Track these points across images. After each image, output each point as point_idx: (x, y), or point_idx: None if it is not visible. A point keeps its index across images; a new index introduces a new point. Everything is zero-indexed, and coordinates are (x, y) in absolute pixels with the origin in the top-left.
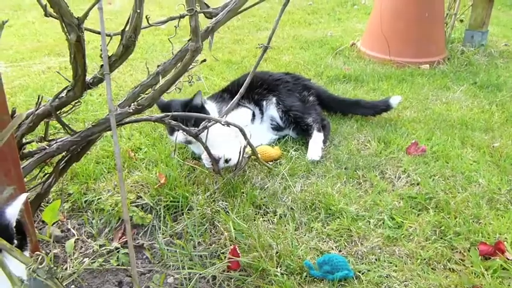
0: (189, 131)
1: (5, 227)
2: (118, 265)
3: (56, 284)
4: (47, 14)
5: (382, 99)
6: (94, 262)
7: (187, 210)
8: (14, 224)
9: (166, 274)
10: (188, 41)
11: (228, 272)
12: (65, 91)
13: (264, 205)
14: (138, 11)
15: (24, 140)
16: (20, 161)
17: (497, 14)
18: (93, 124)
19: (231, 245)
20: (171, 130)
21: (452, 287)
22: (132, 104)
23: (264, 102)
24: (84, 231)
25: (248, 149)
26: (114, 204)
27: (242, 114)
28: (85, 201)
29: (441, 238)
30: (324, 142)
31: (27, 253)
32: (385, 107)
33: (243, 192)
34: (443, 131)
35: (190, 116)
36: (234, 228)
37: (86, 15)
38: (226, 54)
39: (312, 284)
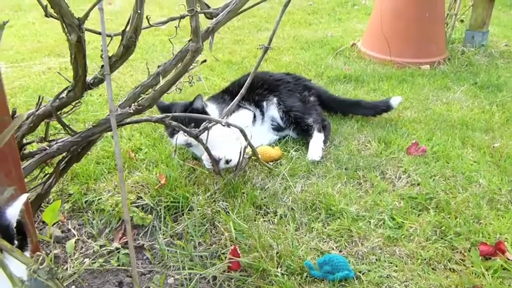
0: (190, 132)
1: (6, 228)
2: (118, 265)
3: (56, 285)
4: (47, 15)
5: (382, 99)
6: (94, 262)
7: (188, 210)
8: (15, 225)
9: (166, 274)
10: (189, 41)
11: (228, 272)
12: (66, 91)
13: (264, 205)
14: (139, 11)
15: (24, 141)
16: (20, 162)
17: (497, 14)
18: (94, 124)
19: (231, 246)
20: (171, 132)
21: (452, 287)
22: (133, 104)
23: (265, 103)
24: (85, 232)
25: (248, 150)
26: (114, 204)
27: (243, 116)
28: (85, 202)
29: (442, 238)
30: (325, 142)
31: (27, 253)
32: (386, 107)
33: (243, 193)
34: (443, 131)
35: (191, 116)
36: (235, 229)
37: (86, 15)
38: (227, 54)
39: (313, 284)
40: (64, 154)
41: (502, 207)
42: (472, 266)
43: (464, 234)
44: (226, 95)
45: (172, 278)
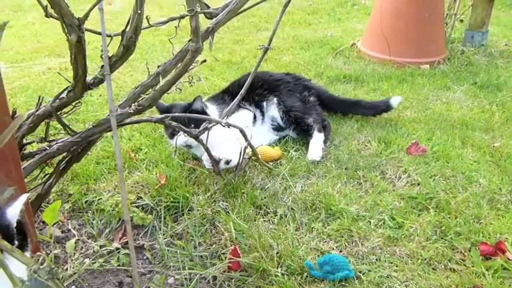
0: (190, 132)
1: (6, 228)
2: (118, 266)
3: (57, 285)
4: (47, 15)
5: (382, 99)
6: (94, 262)
7: (188, 210)
8: (15, 225)
9: (166, 274)
10: (188, 41)
11: (228, 272)
12: (66, 92)
13: (264, 205)
14: (139, 11)
15: (24, 141)
16: (20, 162)
17: (497, 14)
18: (94, 125)
19: (231, 246)
20: (171, 134)
21: (453, 287)
22: (133, 104)
23: (265, 103)
24: (85, 232)
25: (249, 150)
26: (114, 204)
27: (243, 117)
28: (85, 202)
29: (442, 238)
30: (325, 142)
31: (28, 254)
32: (386, 107)
33: (243, 193)
34: (443, 131)
35: (191, 117)
36: (235, 229)
37: (86, 16)
38: (227, 54)
39: (313, 284)
40: (64, 154)
41: (502, 207)
42: (472, 266)
43: (465, 234)
44: (226, 96)
45: (172, 278)
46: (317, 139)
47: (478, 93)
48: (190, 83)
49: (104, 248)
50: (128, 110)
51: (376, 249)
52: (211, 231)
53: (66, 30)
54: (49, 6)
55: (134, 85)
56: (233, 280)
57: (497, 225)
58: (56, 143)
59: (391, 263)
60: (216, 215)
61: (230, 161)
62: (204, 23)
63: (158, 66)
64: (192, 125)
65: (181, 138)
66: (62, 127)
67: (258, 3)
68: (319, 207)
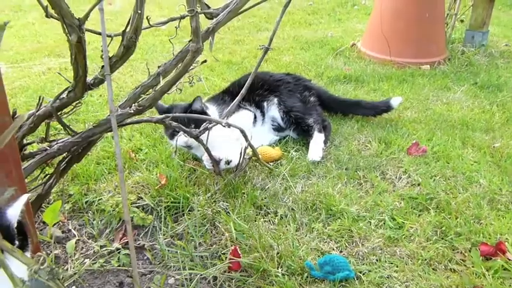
0: (190, 132)
1: (7, 228)
2: (119, 266)
3: (57, 285)
4: (48, 15)
5: (382, 99)
6: (95, 263)
7: (188, 211)
8: (15, 225)
9: (167, 275)
10: (189, 41)
11: (229, 272)
12: (66, 92)
13: (264, 206)
14: (139, 11)
15: (25, 141)
16: (21, 162)
17: (497, 14)
18: (94, 125)
19: (231, 246)
20: (171, 134)
21: (453, 287)
22: (133, 104)
23: (265, 103)
24: (85, 232)
25: (249, 150)
26: (114, 205)
27: (243, 117)
28: (86, 202)
29: (442, 238)
30: (325, 143)
31: (28, 254)
32: (386, 107)
33: (243, 193)
34: (444, 132)
35: (191, 117)
36: (235, 229)
37: (87, 16)
38: (227, 54)
39: (313, 284)
40: (64, 154)
41: (503, 207)
42: (472, 267)
43: (465, 235)
44: (226, 96)
45: (172, 278)
46: (317, 139)
47: (478, 93)
48: (190, 83)
49: (104, 248)
50: (128, 111)
51: (377, 250)
52: (211, 232)
53: (66, 30)
54: (49, 6)
55: (134, 85)
56: (233, 280)
57: (497, 225)
58: (57, 143)
59: (392, 263)
60: (217, 215)
61: (230, 161)
62: (205, 23)
63: (158, 67)
64: (192, 125)
65: (182, 139)
66: (62, 127)
67: (258, 4)
68: (320, 208)
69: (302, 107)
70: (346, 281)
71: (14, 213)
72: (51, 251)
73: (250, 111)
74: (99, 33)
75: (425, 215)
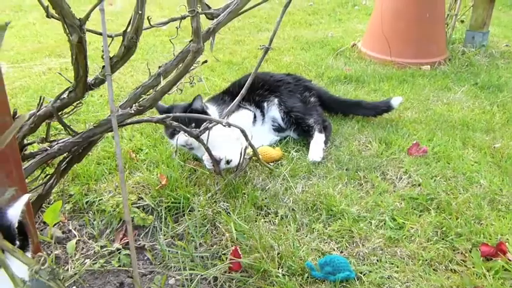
0: (190, 132)
1: (7, 228)
2: (119, 266)
3: (58, 285)
4: (48, 15)
5: (383, 100)
6: (95, 263)
7: (189, 211)
8: (16, 225)
9: (167, 275)
10: (189, 42)
11: (229, 273)
12: (67, 92)
13: (265, 206)
14: (140, 12)
15: (25, 141)
16: (21, 162)
17: (498, 15)
18: (95, 125)
19: (232, 246)
20: (172, 133)
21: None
22: (134, 105)
23: (266, 104)
24: (86, 232)
25: (249, 150)
26: (115, 205)
27: (243, 117)
28: (86, 202)
29: (442, 239)
30: (325, 143)
31: (29, 254)
32: (386, 107)
33: (244, 193)
34: (444, 132)
35: (191, 117)
36: (236, 229)
37: (87, 16)
38: (227, 55)
39: (314, 285)
40: (65, 155)
41: (503, 207)
42: (473, 267)
43: (466, 235)
44: (226, 96)
45: (173, 278)
46: (318, 140)
47: (478, 94)
48: (191, 83)
49: (104, 249)
50: (128, 111)
51: (377, 250)
52: (212, 232)
53: (67, 30)
54: (50, 6)
55: (135, 85)
56: (234, 281)
57: (498, 226)
58: (57, 144)
59: (392, 263)
60: (217, 215)
61: (231, 160)
62: (205, 24)
63: (159, 67)
64: (193, 125)
65: (182, 138)
66: (62, 127)
67: (258, 4)
68: (320, 208)
69: (302, 107)
70: (346, 281)
71: (14, 213)
72: (51, 251)
73: (250, 110)
74: (100, 34)
75: (425, 215)
